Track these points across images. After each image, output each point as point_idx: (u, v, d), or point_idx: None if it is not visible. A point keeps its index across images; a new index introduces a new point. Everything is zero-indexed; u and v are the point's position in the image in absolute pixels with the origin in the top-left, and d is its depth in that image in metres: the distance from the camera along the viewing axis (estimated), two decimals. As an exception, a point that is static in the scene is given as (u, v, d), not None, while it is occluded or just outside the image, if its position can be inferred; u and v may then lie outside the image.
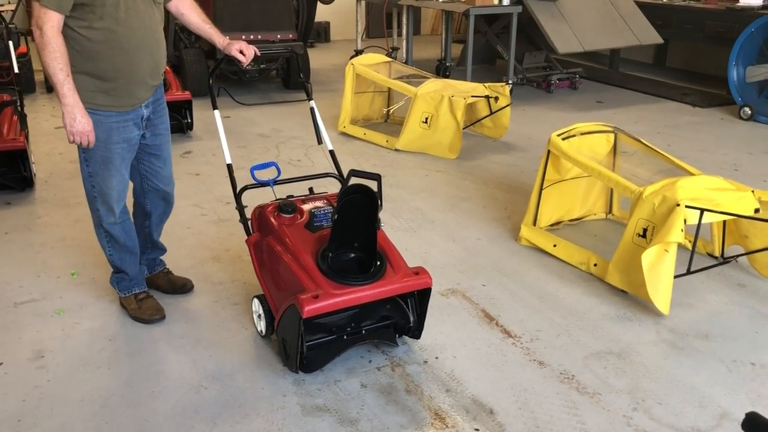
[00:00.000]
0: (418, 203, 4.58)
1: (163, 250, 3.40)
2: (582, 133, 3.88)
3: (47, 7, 2.56)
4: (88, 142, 2.74)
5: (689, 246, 3.41)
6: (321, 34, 11.52)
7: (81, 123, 2.69)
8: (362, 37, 9.36)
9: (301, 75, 3.67)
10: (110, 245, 3.10)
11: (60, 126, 6.29)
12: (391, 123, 6.46)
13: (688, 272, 3.29)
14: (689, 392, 2.69)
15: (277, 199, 3.04)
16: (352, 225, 2.65)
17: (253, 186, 3.13)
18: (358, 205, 2.60)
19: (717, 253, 3.70)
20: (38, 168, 5.13)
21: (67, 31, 2.65)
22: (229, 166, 3.17)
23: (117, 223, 3.02)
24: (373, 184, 2.70)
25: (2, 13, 6.14)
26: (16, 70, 5.19)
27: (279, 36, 7.21)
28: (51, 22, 2.58)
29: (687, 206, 3.09)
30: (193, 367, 2.83)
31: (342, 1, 10.11)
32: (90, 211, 3.06)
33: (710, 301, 3.36)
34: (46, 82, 7.58)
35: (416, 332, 2.93)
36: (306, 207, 2.99)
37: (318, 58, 9.75)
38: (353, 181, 2.80)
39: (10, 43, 5.32)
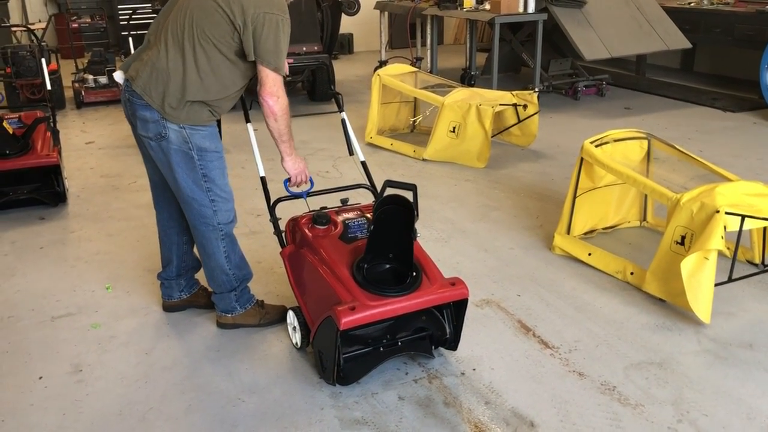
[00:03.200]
0: (448, 213, 4.55)
1: (199, 267, 3.39)
2: (615, 140, 3.83)
3: (281, 75, 2.76)
4: (304, 176, 3.04)
5: (728, 253, 3.35)
6: (344, 45, 11.57)
7: (301, 164, 3.02)
8: (386, 48, 9.38)
9: (332, 86, 3.66)
10: (228, 257, 3.04)
11: (90, 141, 6.40)
12: (417, 133, 6.44)
13: (730, 280, 3.23)
14: (736, 403, 2.62)
15: (310, 211, 3.04)
16: (389, 235, 2.63)
17: (286, 198, 3.13)
18: (395, 215, 2.58)
19: (757, 260, 3.62)
20: (70, 183, 5.19)
21: (219, 64, 2.76)
22: (263, 179, 3.17)
23: (234, 221, 3.05)
24: (409, 195, 2.68)
25: (35, 32, 6.23)
26: (49, 87, 5.27)
27: (305, 48, 7.25)
28: (283, 89, 2.79)
29: (727, 212, 3.03)
30: (230, 380, 2.82)
31: (365, 13, 10.13)
32: (204, 236, 2.98)
33: (753, 309, 3.29)
34: (76, 98, 7.71)
35: (453, 344, 2.90)
36: (340, 218, 2.98)
37: (342, 69, 9.78)
38: (389, 191, 2.78)
39: (43, 60, 5.40)
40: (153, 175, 3.07)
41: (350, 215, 3.01)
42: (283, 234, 3.10)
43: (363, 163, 3.36)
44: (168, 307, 3.34)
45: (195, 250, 3.26)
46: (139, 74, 2.77)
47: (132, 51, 6.66)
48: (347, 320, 2.50)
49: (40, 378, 2.87)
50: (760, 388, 2.70)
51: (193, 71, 2.73)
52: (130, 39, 6.75)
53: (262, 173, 3.18)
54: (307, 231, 2.92)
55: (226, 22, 2.68)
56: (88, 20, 10.07)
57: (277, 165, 3.04)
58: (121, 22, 10.48)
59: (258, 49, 2.70)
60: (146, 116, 2.78)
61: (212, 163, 2.89)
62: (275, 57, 2.72)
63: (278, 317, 3.21)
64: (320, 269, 2.77)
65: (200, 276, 3.38)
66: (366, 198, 3.29)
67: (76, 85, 7.75)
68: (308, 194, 3.13)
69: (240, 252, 3.14)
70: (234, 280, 3.09)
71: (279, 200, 3.13)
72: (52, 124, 5.02)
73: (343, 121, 3.38)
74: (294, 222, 3.03)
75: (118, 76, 2.90)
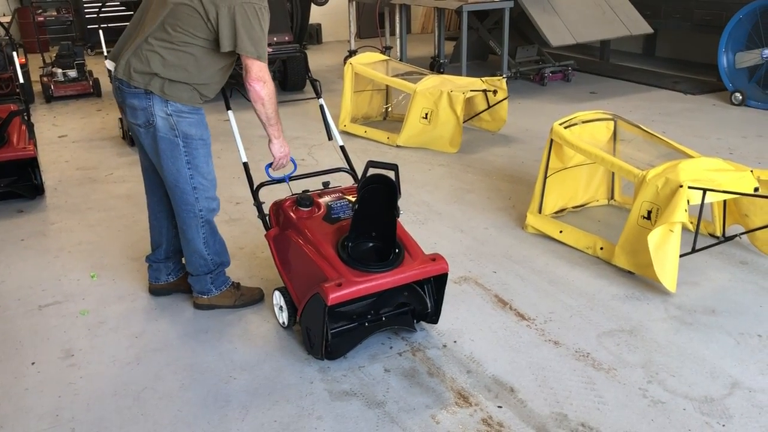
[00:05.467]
0: (424, 196, 4.67)
1: None
2: (583, 122, 3.98)
3: (264, 62, 2.79)
4: (287, 160, 3.10)
5: (691, 227, 3.52)
6: (313, 36, 11.59)
7: (287, 148, 3.07)
8: (355, 37, 9.45)
9: (309, 73, 3.75)
10: (207, 243, 3.12)
11: (63, 135, 6.38)
12: (390, 120, 6.55)
13: (693, 251, 3.40)
14: (700, 364, 2.79)
15: (293, 194, 3.13)
16: (373, 214, 2.74)
17: (269, 182, 3.22)
18: (379, 194, 2.69)
19: (718, 233, 3.81)
20: (46, 176, 5.19)
21: (195, 53, 2.81)
22: (245, 164, 3.26)
23: (217, 209, 3.13)
24: (391, 175, 2.79)
25: (4, 25, 6.18)
26: (21, 80, 5.25)
27: (275, 39, 7.28)
28: (268, 74, 2.83)
29: (690, 187, 3.20)
30: (221, 360, 2.91)
31: (333, 3, 10.20)
32: (185, 221, 3.06)
33: (715, 278, 3.47)
34: (45, 92, 7.64)
35: (434, 317, 3.03)
36: (322, 200, 3.08)
37: (312, 59, 9.76)
38: (372, 172, 2.88)
39: (15, 53, 5.37)
40: (144, 161, 3.14)
41: (332, 197, 3.11)
42: (267, 217, 3.19)
43: (342, 147, 3.46)
44: (154, 290, 3.41)
45: None
46: (125, 61, 2.84)
47: (103, 44, 6.65)
48: (334, 296, 2.61)
49: (33, 364, 2.92)
50: (722, 349, 2.88)
51: (171, 53, 2.78)
52: (101, 32, 6.72)
53: (244, 159, 3.26)
54: (291, 213, 3.01)
55: (197, 17, 2.72)
56: (55, 13, 9.94)
57: (253, 153, 3.13)
58: (87, 16, 10.38)
59: (237, 40, 2.72)
60: (134, 104, 2.85)
61: (197, 150, 2.97)
62: (256, 46, 2.76)
63: (253, 299, 3.31)
64: (306, 249, 2.87)
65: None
66: (343, 182, 3.39)
67: (45, 79, 7.69)
68: (290, 178, 3.22)
69: (221, 239, 3.23)
70: (211, 264, 3.18)
71: (262, 185, 3.22)
72: (26, 118, 5.01)
73: (321, 107, 3.49)
74: (278, 205, 3.12)
75: (108, 64, 2.97)
